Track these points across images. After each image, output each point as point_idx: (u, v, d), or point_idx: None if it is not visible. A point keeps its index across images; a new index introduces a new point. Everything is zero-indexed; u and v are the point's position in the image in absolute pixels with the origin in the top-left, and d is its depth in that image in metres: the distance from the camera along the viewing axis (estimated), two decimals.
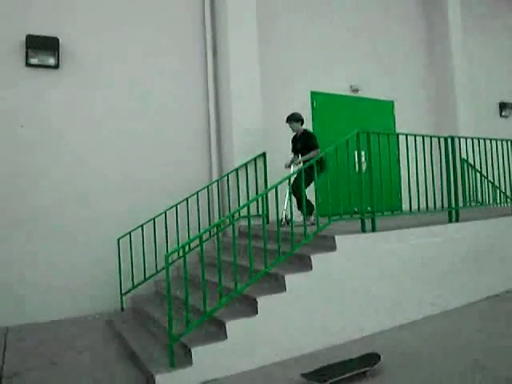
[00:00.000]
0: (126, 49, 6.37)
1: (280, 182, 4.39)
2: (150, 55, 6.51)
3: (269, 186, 6.32)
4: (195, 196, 6.19)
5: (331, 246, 4.52)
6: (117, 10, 6.35)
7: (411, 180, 5.26)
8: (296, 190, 5.54)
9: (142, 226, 5.84)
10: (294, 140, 6.14)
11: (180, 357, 3.77)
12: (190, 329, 3.80)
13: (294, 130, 6.06)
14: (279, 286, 4.23)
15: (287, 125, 6.25)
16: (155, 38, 6.56)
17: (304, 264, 4.42)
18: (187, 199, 6.07)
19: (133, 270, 5.87)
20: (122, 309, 5.83)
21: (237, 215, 6.04)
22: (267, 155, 6.57)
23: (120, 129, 6.28)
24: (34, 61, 5.80)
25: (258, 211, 6.11)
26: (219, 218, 6.50)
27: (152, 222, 5.87)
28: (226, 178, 6.40)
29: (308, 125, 7.52)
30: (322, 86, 7.77)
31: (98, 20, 6.22)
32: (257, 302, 3.96)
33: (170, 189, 6.42)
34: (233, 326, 3.83)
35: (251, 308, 4.08)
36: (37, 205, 5.76)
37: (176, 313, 4.69)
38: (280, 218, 5.61)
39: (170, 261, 5.72)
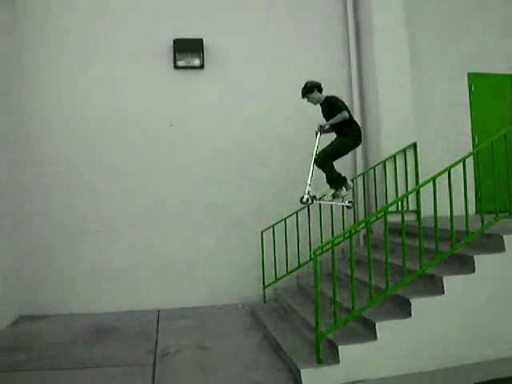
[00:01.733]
0: (265, 47, 6.48)
1: (439, 175, 3.95)
2: (288, 51, 6.53)
3: (421, 181, 5.77)
4: None
5: (497, 247, 3.95)
6: (255, 8, 6.47)
7: None
8: (319, 160, 4.93)
9: (284, 219, 5.85)
10: (322, 111, 5.32)
11: (325, 353, 3.64)
12: (338, 326, 3.66)
13: (315, 103, 5.21)
14: (435, 288, 3.83)
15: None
16: (295, 34, 6.55)
17: (464, 265, 3.93)
18: None
19: (275, 262, 5.91)
20: (264, 300, 5.91)
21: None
22: (418, 145, 6.00)
23: (265, 124, 6.42)
24: (181, 63, 6.23)
25: (408, 207, 5.64)
26: (364, 213, 6.19)
27: (295, 215, 5.83)
28: (372, 170, 6.06)
29: (466, 110, 6.69)
30: (482, 66, 6.79)
31: (238, 20, 6.42)
32: (410, 304, 3.64)
33: (314, 182, 6.30)
34: (383, 327, 3.59)
35: (402, 309, 3.78)
36: (195, 199, 6.25)
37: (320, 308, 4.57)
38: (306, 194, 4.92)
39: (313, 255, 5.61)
